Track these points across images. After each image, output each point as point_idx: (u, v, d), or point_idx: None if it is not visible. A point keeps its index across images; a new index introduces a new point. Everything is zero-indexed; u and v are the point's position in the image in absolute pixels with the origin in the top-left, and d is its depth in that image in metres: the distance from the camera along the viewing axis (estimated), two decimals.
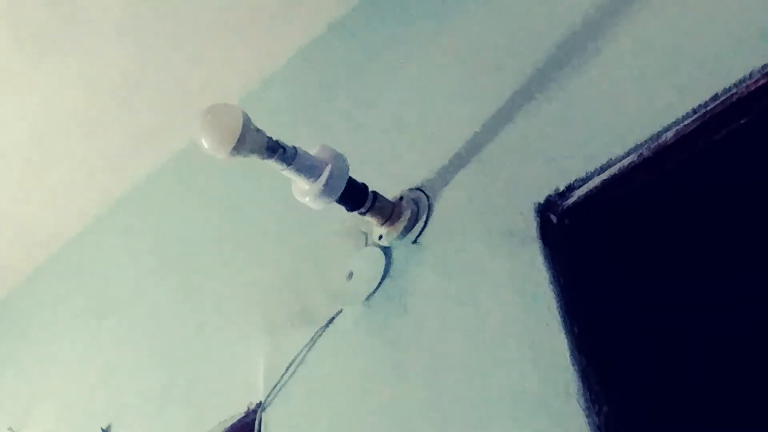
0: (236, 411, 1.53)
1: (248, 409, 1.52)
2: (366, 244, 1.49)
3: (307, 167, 1.34)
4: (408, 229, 1.42)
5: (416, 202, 1.44)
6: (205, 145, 1.29)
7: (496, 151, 1.38)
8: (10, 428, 2.12)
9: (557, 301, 1.14)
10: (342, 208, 1.40)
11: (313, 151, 1.37)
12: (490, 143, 1.38)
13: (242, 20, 1.98)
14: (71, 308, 2.24)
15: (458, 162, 1.41)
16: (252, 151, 1.30)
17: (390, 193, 1.47)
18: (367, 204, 1.41)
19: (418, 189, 1.47)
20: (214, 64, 2.06)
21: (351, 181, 1.38)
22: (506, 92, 1.42)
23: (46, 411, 2.07)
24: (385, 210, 1.43)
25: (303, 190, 1.36)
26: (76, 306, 2.22)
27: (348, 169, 1.37)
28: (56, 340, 2.21)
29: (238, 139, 1.27)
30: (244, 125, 1.28)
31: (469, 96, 1.50)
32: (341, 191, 1.35)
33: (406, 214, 1.43)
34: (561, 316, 1.12)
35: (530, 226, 1.23)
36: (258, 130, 1.31)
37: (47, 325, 2.29)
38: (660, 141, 1.19)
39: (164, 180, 2.22)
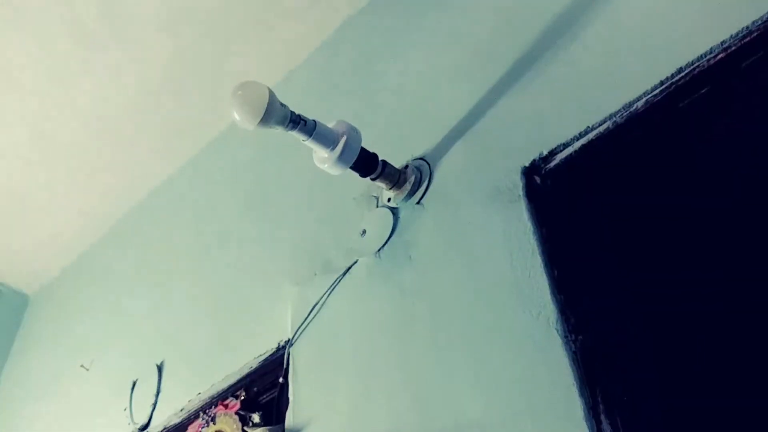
0: (268, 347, 1.51)
1: (278, 345, 1.49)
2: (377, 206, 1.45)
3: (325, 138, 1.30)
4: (412, 192, 1.39)
5: (419, 170, 1.41)
6: (237, 117, 1.25)
7: (488, 123, 1.34)
8: (82, 365, 2.12)
9: (540, 249, 1.12)
10: (356, 175, 1.37)
11: (330, 125, 1.33)
12: (484, 116, 1.35)
13: (267, 16, 1.94)
14: (137, 270, 2.23)
15: (456, 134, 1.38)
16: (277, 123, 1.26)
17: (397, 161, 1.44)
18: (378, 171, 1.37)
19: (421, 158, 1.43)
20: (246, 58, 2.02)
21: (363, 151, 1.35)
22: (498, 73, 1.38)
23: (112, 352, 2.07)
24: (393, 176, 1.40)
25: (322, 158, 1.32)
26: (141, 267, 2.22)
27: (361, 140, 1.33)
28: (124, 295, 2.20)
29: (265, 112, 1.23)
30: (270, 99, 1.24)
31: (466, 77, 1.46)
32: (355, 159, 1.31)
33: (411, 180, 1.39)
34: (543, 262, 1.10)
35: (517, 186, 1.21)
36: (282, 105, 1.27)
37: (118, 283, 2.27)
38: (631, 110, 1.15)
39: (205, 160, 2.21)
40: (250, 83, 1.30)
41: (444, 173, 1.37)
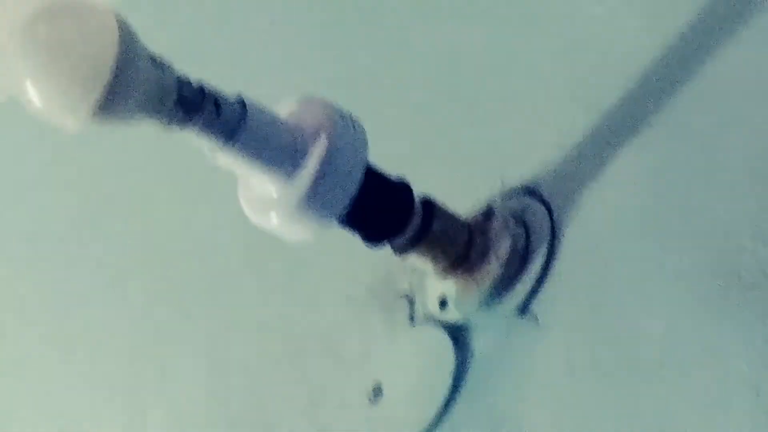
0: None
1: None
2: (410, 320, 0.99)
3: (273, 144, 0.80)
4: (506, 282, 0.90)
5: (521, 219, 0.92)
6: (37, 98, 0.74)
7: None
8: None
9: None
10: (353, 240, 0.88)
11: (284, 107, 0.84)
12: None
13: None
14: None
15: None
16: (141, 108, 0.75)
17: (460, 198, 0.95)
18: (413, 227, 0.87)
19: (528, 190, 0.93)
20: None
21: (374, 175, 0.85)
22: None
23: None
24: (453, 239, 0.90)
25: (264, 197, 0.82)
26: None
27: (366, 145, 0.83)
28: None
29: (111, 81, 0.73)
30: (121, 48, 0.74)
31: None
32: (350, 198, 0.82)
33: (501, 249, 0.90)
34: None
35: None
36: (155, 60, 0.76)
37: None
38: None
39: None
40: (72, 4, 0.82)
41: (589, 230, 0.89)
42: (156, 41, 0.82)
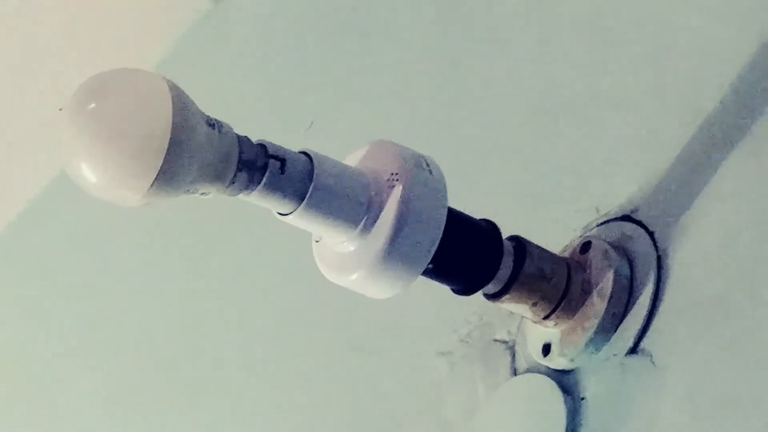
0: None
1: None
2: (511, 369, 0.92)
3: (345, 197, 0.76)
4: (613, 320, 0.83)
5: (623, 252, 0.85)
6: (91, 176, 0.70)
7: None
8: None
9: None
10: (443, 289, 0.82)
11: (353, 156, 0.80)
12: None
13: None
14: None
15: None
16: (202, 175, 0.71)
17: (554, 235, 0.89)
18: (504, 270, 0.81)
19: (626, 217, 0.87)
20: None
21: (457, 220, 0.79)
22: None
23: None
24: (549, 278, 0.83)
25: (340, 255, 0.78)
26: None
27: (445, 189, 0.78)
28: None
29: (169, 150, 0.70)
30: (175, 115, 0.70)
31: None
32: (434, 246, 0.76)
33: (604, 284, 0.83)
34: None
35: None
36: (211, 123, 0.72)
37: None
38: None
39: None
40: (118, 75, 0.78)
41: (702, 253, 0.78)
42: (206, 104, 0.78)
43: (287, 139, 0.79)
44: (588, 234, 0.89)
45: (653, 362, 0.81)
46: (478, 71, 1.14)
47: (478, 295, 0.84)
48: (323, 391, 1.19)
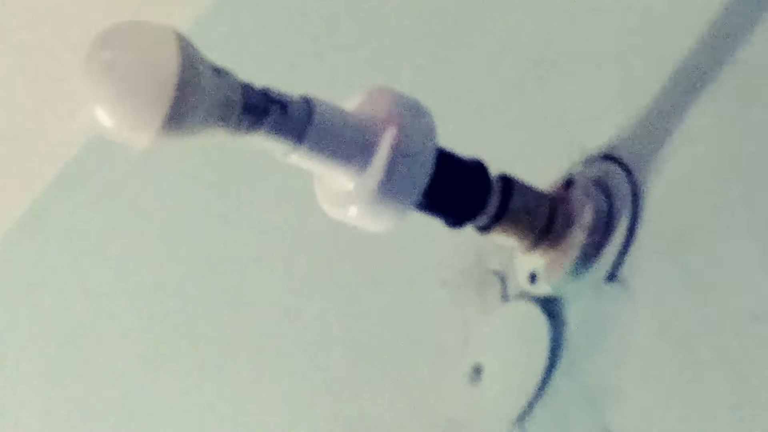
0: None
1: None
2: (503, 296, 0.97)
3: (343, 139, 0.81)
4: (593, 250, 0.88)
5: (603, 188, 0.90)
6: (106, 120, 0.76)
7: None
8: None
9: None
10: (439, 226, 0.88)
11: (351, 101, 0.85)
12: None
13: None
14: None
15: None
16: (208, 119, 0.77)
17: (540, 171, 0.94)
18: (492, 205, 0.86)
19: (607, 157, 0.91)
20: None
21: (446, 158, 0.85)
22: None
23: None
24: (534, 212, 0.89)
25: (339, 192, 0.83)
26: None
27: (435, 130, 0.84)
28: None
29: (177, 95, 0.75)
30: (182, 61, 0.76)
31: None
32: (425, 182, 0.82)
33: (584, 217, 0.88)
34: None
35: None
36: (217, 70, 0.78)
37: None
38: None
39: None
40: (129, 26, 0.82)
41: (673, 194, 0.86)
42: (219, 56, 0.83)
43: None
44: (571, 172, 0.93)
45: (628, 288, 0.87)
46: (468, 21, 1.19)
47: (474, 233, 0.91)
48: (334, 322, 1.25)
